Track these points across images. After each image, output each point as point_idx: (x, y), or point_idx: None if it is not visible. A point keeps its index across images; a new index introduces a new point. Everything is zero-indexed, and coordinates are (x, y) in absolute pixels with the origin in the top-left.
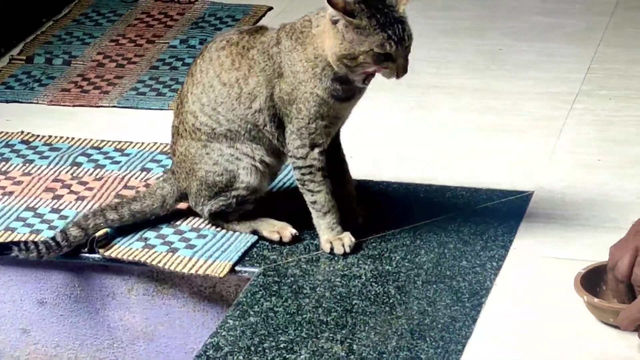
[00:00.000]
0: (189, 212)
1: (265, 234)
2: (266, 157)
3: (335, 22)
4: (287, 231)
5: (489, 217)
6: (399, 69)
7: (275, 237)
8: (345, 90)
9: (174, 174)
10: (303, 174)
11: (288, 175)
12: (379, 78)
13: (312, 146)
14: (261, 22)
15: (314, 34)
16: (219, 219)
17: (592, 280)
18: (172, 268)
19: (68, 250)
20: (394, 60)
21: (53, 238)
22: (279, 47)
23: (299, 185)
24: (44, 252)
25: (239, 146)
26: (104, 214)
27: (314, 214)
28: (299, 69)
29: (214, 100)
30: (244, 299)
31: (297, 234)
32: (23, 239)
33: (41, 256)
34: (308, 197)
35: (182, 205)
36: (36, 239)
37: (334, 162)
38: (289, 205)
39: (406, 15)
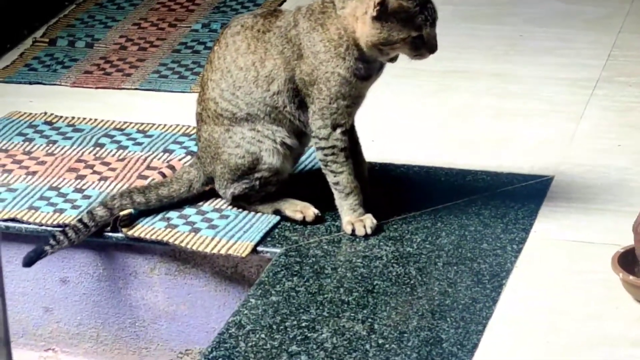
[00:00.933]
0: (212, 193)
1: (288, 213)
2: (287, 139)
3: (379, 18)
4: (310, 210)
5: (510, 200)
6: (433, 48)
7: (299, 216)
8: (367, 69)
9: (200, 159)
10: (326, 155)
11: (310, 157)
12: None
13: (335, 126)
14: (285, 5)
15: (339, 15)
16: (242, 201)
17: (630, 260)
18: (194, 248)
19: (95, 231)
20: (426, 41)
21: (80, 220)
22: (297, 30)
23: (322, 166)
24: (74, 238)
25: (260, 128)
26: (131, 196)
27: (336, 195)
28: (320, 49)
29: (232, 85)
30: (266, 279)
31: (320, 214)
32: (46, 218)
33: (72, 242)
34: (331, 178)
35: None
36: (60, 220)
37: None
38: (310, 187)
39: None
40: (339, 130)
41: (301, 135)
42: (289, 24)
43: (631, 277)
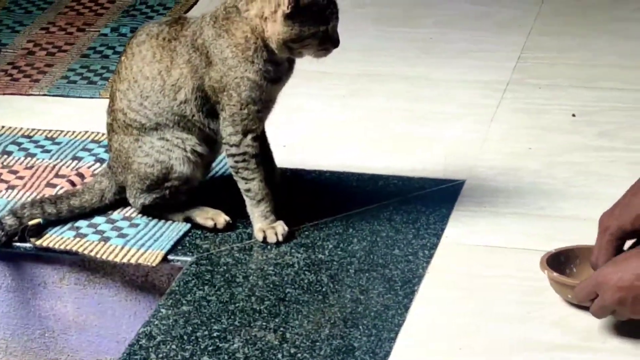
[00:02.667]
0: (122, 202)
1: (199, 220)
2: (198, 147)
3: (291, 16)
4: (221, 217)
5: (421, 205)
6: (335, 42)
7: (210, 223)
8: (276, 71)
9: (111, 168)
10: (237, 162)
11: (221, 164)
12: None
13: (245, 132)
14: (193, 10)
15: (244, 17)
16: (152, 210)
17: (561, 262)
18: (103, 257)
19: (4, 241)
20: (330, 35)
21: None
22: (202, 38)
23: (233, 173)
24: None
25: (170, 137)
26: (42, 206)
27: (247, 202)
28: (228, 55)
29: (139, 95)
30: (177, 288)
31: (231, 221)
32: None
33: None
34: (242, 185)
35: None
36: None
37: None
38: (221, 194)
39: None
40: (250, 137)
41: (212, 142)
42: (195, 32)
43: (555, 274)
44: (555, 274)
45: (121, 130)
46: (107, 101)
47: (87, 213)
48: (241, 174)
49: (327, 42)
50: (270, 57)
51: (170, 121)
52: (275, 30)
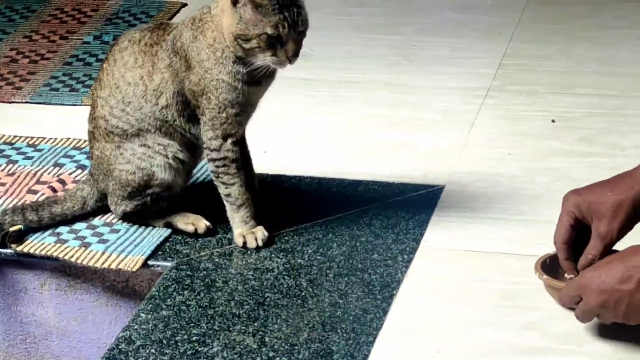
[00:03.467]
0: (102, 208)
1: (180, 225)
2: (180, 154)
3: (235, 3)
4: (202, 222)
5: (401, 210)
6: (289, 53)
7: (190, 228)
8: (250, 73)
9: (93, 176)
10: (217, 166)
11: (202, 169)
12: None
13: (225, 137)
14: (175, 18)
15: (212, 15)
16: (133, 217)
17: (553, 265)
18: (84, 263)
19: None
20: (284, 44)
21: None
22: (181, 41)
23: (213, 178)
24: None
25: (151, 144)
26: (24, 213)
27: (228, 207)
28: (203, 57)
29: (121, 101)
30: (157, 293)
31: (211, 226)
32: None
33: None
34: (222, 190)
35: None
36: None
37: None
38: (202, 200)
39: (304, 4)
40: (229, 141)
41: (193, 148)
42: (175, 36)
43: (545, 277)
44: (552, 280)
45: (102, 138)
46: (89, 108)
47: (69, 220)
48: (221, 178)
49: (278, 51)
50: (239, 57)
51: (152, 127)
52: (227, 22)
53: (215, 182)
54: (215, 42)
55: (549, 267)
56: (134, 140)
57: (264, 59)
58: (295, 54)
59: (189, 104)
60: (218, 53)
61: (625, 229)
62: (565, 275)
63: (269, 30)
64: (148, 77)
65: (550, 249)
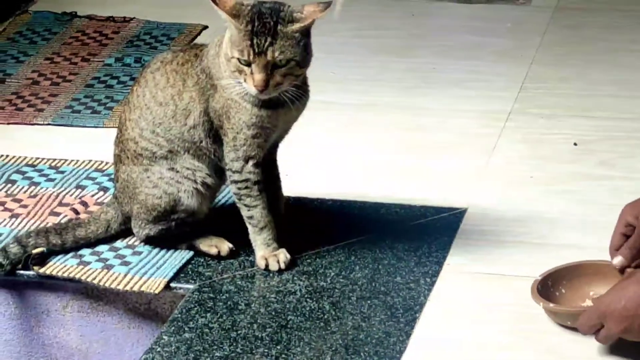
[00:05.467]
0: (127, 232)
1: (203, 248)
2: (208, 179)
3: (234, 16)
4: (225, 245)
5: (423, 233)
6: (255, 81)
7: (214, 251)
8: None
9: (117, 199)
10: (239, 188)
11: (224, 192)
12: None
13: (246, 159)
14: (196, 41)
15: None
16: (156, 241)
17: (549, 285)
18: (107, 285)
19: (9, 269)
20: (252, 72)
21: None
22: (207, 58)
23: (236, 200)
24: None
25: (180, 168)
26: (47, 236)
27: (250, 230)
28: (222, 75)
29: (152, 122)
30: (179, 315)
31: (234, 249)
32: None
33: None
34: (245, 212)
35: None
36: None
37: (267, 178)
38: (224, 222)
39: (296, 35)
40: (251, 163)
41: (221, 171)
42: (203, 54)
43: (551, 305)
44: (551, 304)
45: (130, 161)
46: (111, 130)
47: (92, 243)
48: (244, 200)
49: (245, 76)
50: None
51: (181, 148)
52: (223, 44)
53: (237, 204)
54: (228, 61)
55: (544, 289)
56: (162, 164)
57: (239, 83)
58: (262, 85)
59: (214, 124)
60: (227, 72)
61: None
62: (581, 302)
63: (236, 54)
64: (178, 95)
65: None
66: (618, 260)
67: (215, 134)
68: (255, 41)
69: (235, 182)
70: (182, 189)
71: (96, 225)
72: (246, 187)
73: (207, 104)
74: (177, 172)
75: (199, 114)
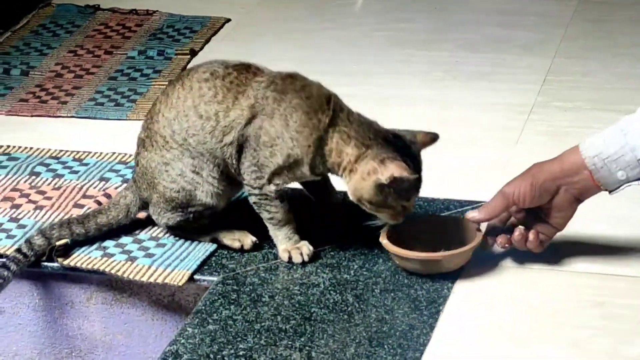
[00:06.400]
0: (148, 221)
1: (226, 242)
2: (228, 185)
3: (381, 189)
4: (248, 239)
5: None
6: (402, 218)
7: (237, 244)
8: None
9: (136, 182)
10: (260, 199)
11: None
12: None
13: (270, 182)
14: (219, 35)
15: (334, 137)
16: (177, 230)
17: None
18: (130, 277)
19: (33, 260)
20: (407, 208)
21: (19, 250)
22: (283, 99)
23: (255, 207)
24: (17, 270)
25: (205, 175)
26: (70, 227)
27: (271, 228)
28: (297, 129)
29: (185, 131)
30: (203, 307)
31: (257, 242)
32: None
33: (15, 274)
34: (265, 215)
35: (141, 215)
36: None
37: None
38: (246, 214)
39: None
40: (273, 187)
41: (236, 181)
42: (276, 84)
43: (386, 241)
44: (386, 241)
45: (153, 150)
46: (134, 123)
47: (115, 230)
48: (264, 207)
49: (401, 215)
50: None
51: (209, 161)
52: (360, 186)
53: (256, 210)
54: (331, 154)
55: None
56: (187, 163)
57: (385, 218)
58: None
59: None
60: (312, 149)
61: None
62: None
63: (404, 203)
64: (224, 112)
65: (597, 265)
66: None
67: (239, 151)
68: (418, 187)
69: (255, 194)
70: (200, 189)
71: (116, 211)
72: (266, 199)
73: (249, 124)
74: (201, 176)
75: (237, 132)
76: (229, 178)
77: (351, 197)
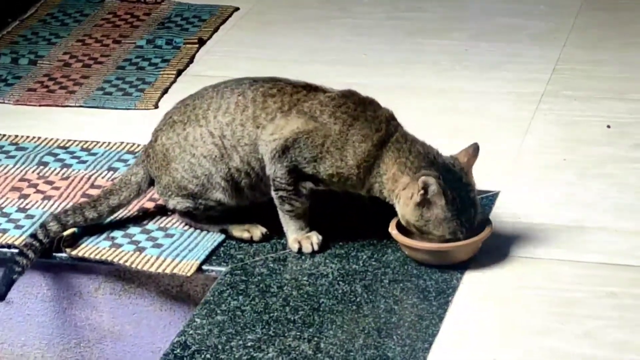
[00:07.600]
0: (157, 212)
1: (236, 233)
2: (249, 191)
3: (423, 203)
4: (258, 230)
5: None
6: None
7: (246, 235)
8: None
9: (148, 157)
10: (290, 193)
11: None
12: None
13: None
14: (228, 23)
15: (385, 163)
16: (187, 217)
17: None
18: (139, 267)
19: (48, 246)
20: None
21: (34, 236)
22: (352, 125)
23: (278, 201)
24: (34, 257)
25: (228, 178)
26: (83, 212)
27: (286, 218)
28: (350, 152)
29: (235, 138)
30: (211, 298)
31: (268, 233)
32: None
33: (33, 261)
34: (286, 207)
35: (149, 205)
36: (3, 240)
37: None
38: (255, 206)
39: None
40: (309, 185)
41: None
42: (349, 109)
43: (395, 232)
44: (394, 231)
45: (182, 138)
46: (142, 112)
47: (123, 223)
48: (288, 201)
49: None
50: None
51: (241, 169)
52: (405, 211)
53: (279, 206)
54: (362, 171)
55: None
56: (219, 168)
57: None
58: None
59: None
60: (360, 172)
61: None
62: None
63: (447, 236)
64: (283, 124)
65: (606, 255)
66: None
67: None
68: (463, 219)
69: (284, 189)
70: (218, 188)
71: (128, 191)
72: (296, 195)
73: (297, 135)
74: (227, 181)
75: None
76: (255, 184)
77: (402, 221)
